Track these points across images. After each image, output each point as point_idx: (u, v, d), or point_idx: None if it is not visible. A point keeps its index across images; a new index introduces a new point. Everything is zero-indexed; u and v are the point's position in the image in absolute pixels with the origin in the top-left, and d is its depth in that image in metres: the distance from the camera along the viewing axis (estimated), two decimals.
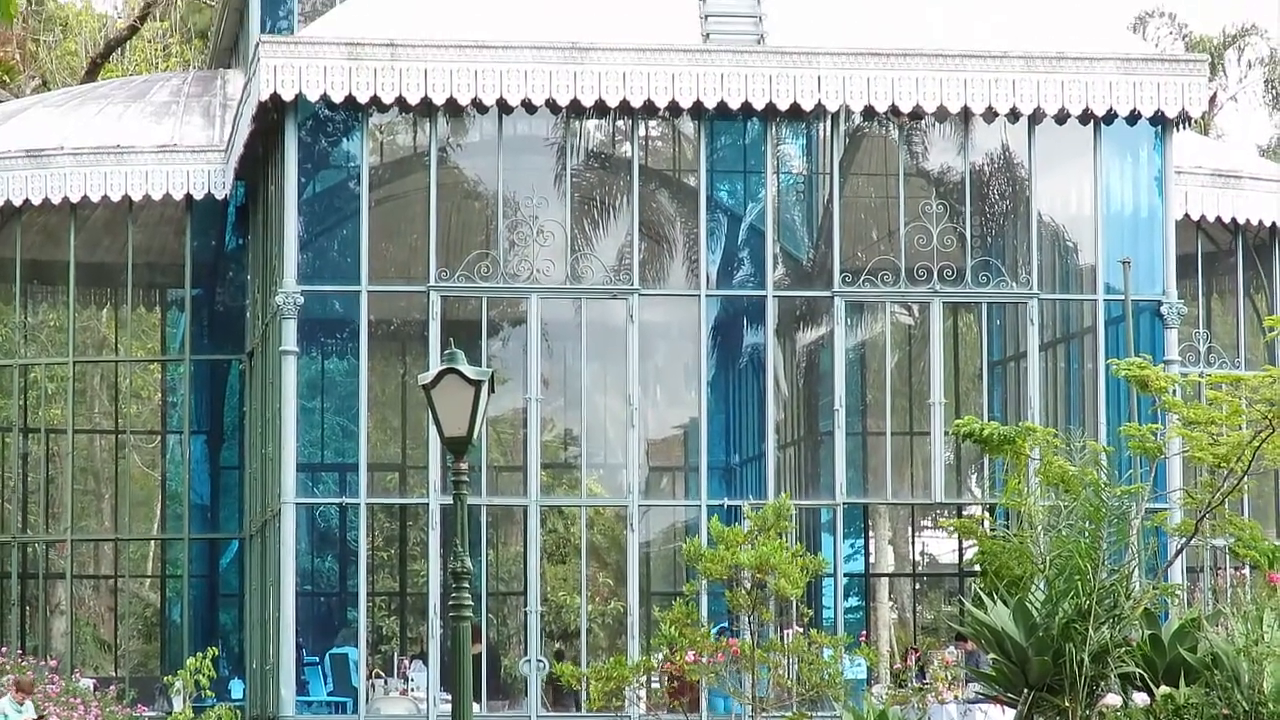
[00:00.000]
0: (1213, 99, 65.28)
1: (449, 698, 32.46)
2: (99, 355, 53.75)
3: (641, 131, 43.12)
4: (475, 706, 27.46)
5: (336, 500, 43.10)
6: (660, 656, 38.02)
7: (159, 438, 54.10)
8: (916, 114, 41.72)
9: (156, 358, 53.54)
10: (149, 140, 47.77)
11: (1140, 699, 29.69)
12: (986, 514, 37.80)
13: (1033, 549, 31.08)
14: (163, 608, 51.82)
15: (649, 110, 41.87)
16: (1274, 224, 48.78)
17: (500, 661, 43.14)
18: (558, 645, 42.24)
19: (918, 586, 44.77)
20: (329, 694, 41.81)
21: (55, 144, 47.75)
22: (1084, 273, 42.58)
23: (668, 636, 37.73)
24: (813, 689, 34.95)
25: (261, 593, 43.51)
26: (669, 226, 44.04)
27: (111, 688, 46.53)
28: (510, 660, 43.56)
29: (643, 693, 39.14)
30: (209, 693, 42.39)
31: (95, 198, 46.81)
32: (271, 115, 41.03)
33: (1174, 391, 35.59)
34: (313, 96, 40.51)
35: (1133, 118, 41.68)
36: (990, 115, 41.63)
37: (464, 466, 27.03)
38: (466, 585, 26.99)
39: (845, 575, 43.05)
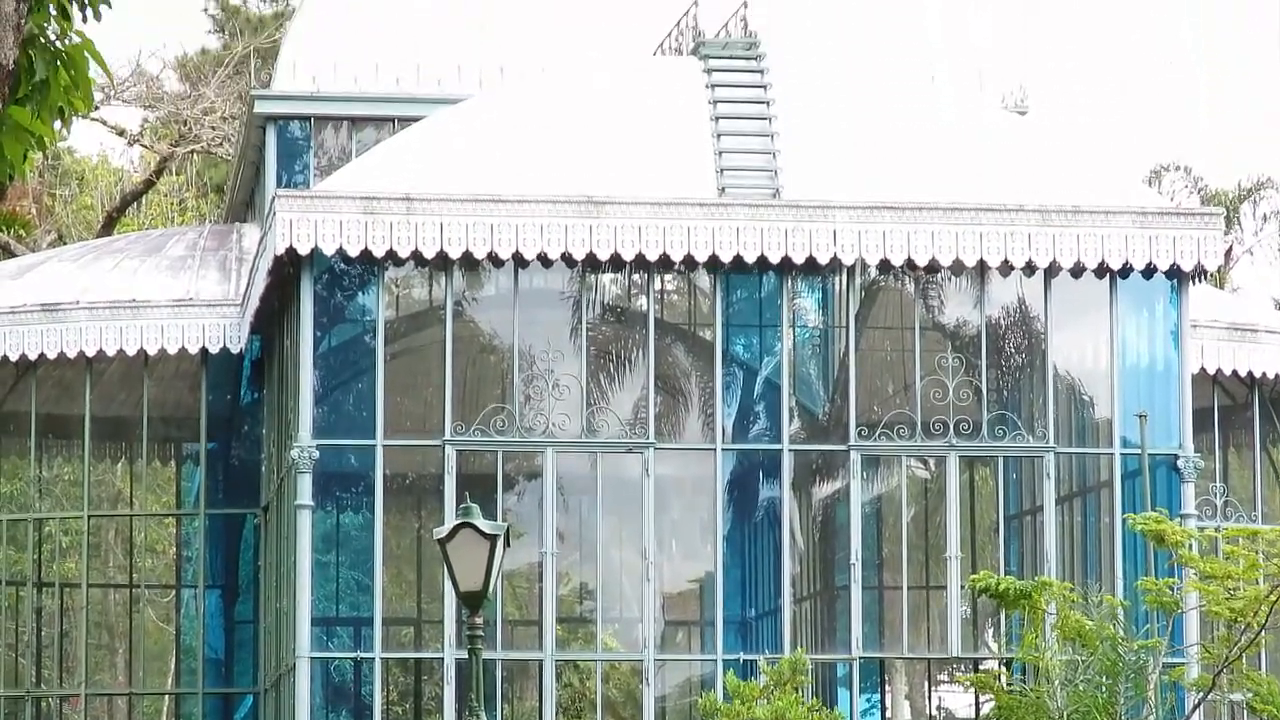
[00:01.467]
0: (1228, 252, 65.39)
1: None
2: (114, 509, 53.82)
3: (657, 285, 43.14)
4: None
5: (351, 655, 42.93)
6: None
7: (174, 592, 54.08)
8: (932, 267, 41.73)
9: (171, 512, 53.60)
10: (165, 295, 47.89)
11: None
12: (1003, 669, 37.59)
13: (1050, 704, 31.08)
14: None
15: (665, 264, 41.89)
16: None
17: None
18: None
19: None
20: None
21: (71, 298, 47.84)
22: (1100, 426, 42.52)
23: None
24: None
25: None
26: (684, 380, 44.04)
27: None
28: None
29: None
30: None
31: (111, 352, 46.87)
32: (287, 269, 41.07)
33: (1190, 546, 35.59)
34: (329, 250, 40.54)
35: (1149, 271, 41.69)
36: (1006, 269, 41.61)
37: (479, 621, 26.98)
38: None
39: None
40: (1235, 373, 47.78)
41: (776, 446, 43.00)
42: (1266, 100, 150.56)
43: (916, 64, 49.46)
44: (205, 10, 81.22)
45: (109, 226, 67.39)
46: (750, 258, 41.27)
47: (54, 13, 11.08)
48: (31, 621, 51.69)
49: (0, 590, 51.05)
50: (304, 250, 40.47)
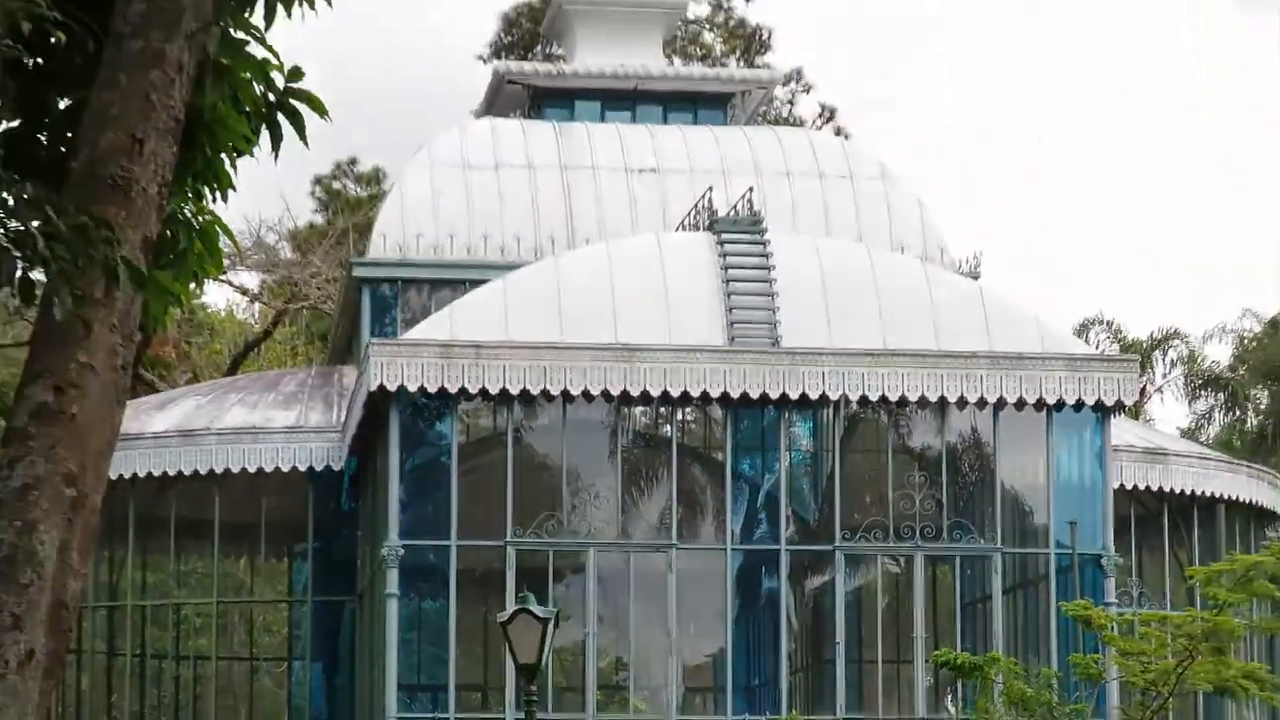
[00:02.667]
0: (1143, 391, 65.37)
1: None
2: (238, 596, 53.80)
3: (679, 416, 43.36)
4: None
5: (430, 715, 42.85)
6: None
7: (286, 664, 53.97)
8: (902, 403, 41.90)
9: (284, 599, 53.55)
10: (279, 423, 48.11)
11: None
12: None
13: None
14: None
15: (685, 399, 42.09)
16: (1193, 492, 48.86)
17: None
18: None
19: None
20: None
21: (203, 426, 48.07)
22: (1039, 531, 42.63)
23: None
24: None
25: None
26: (701, 493, 44.14)
27: None
28: None
29: None
30: None
31: (236, 470, 47.00)
32: (378, 403, 41.27)
33: (1112, 628, 35.67)
34: (412, 388, 40.76)
35: (1078, 406, 41.84)
36: (962, 404, 41.79)
37: (533, 688, 27.17)
38: None
39: None
40: (1149, 488, 47.81)
41: (775, 547, 43.11)
42: (1181, 260, 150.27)
43: (889, 236, 49.66)
44: (312, 194, 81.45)
45: (234, 368, 67.60)
46: (754, 395, 41.46)
47: (190, 195, 11.31)
48: (170, 689, 51.72)
49: (145, 662, 51.24)
50: (392, 388, 40.72)
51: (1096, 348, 61.78)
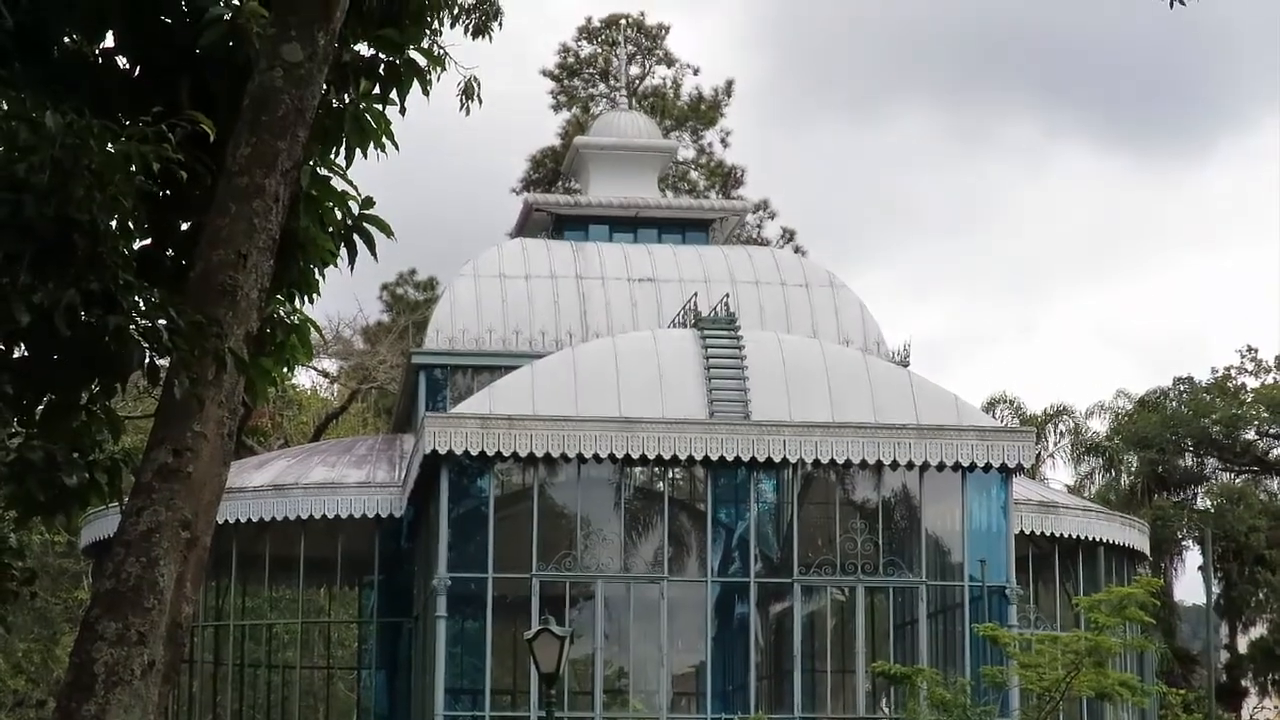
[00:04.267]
0: (1038, 456, 65.27)
1: None
2: (318, 618, 53.59)
3: (669, 475, 43.24)
4: None
5: (470, 713, 42.66)
6: None
7: (356, 672, 53.78)
8: (847, 465, 41.83)
9: (355, 620, 53.41)
10: (352, 479, 48.03)
11: None
12: None
13: None
14: None
15: (674, 462, 42.00)
16: (1078, 537, 48.81)
17: None
18: None
19: None
20: None
21: (292, 481, 48.00)
22: (956, 567, 42.47)
23: None
24: None
25: None
26: (687, 536, 44.03)
27: None
28: None
29: None
30: None
31: (317, 516, 46.95)
32: (431, 464, 41.21)
33: (1015, 645, 35.58)
34: (458, 452, 40.71)
35: (986, 468, 41.77)
36: (894, 466, 41.69)
37: (553, 692, 27.06)
38: None
39: None
40: (1043, 534, 47.75)
41: (746, 579, 42.99)
42: (1069, 348, 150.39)
43: (836, 331, 49.70)
44: (380, 297, 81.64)
45: (317, 435, 67.56)
46: (730, 458, 41.38)
47: (285, 298, 11.32)
48: (264, 692, 51.55)
49: (244, 671, 51.07)
50: (443, 451, 40.65)
51: (1001, 421, 61.74)
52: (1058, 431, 79.62)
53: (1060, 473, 78.56)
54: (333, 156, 11.37)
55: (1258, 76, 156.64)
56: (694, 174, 77.74)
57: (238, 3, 10.69)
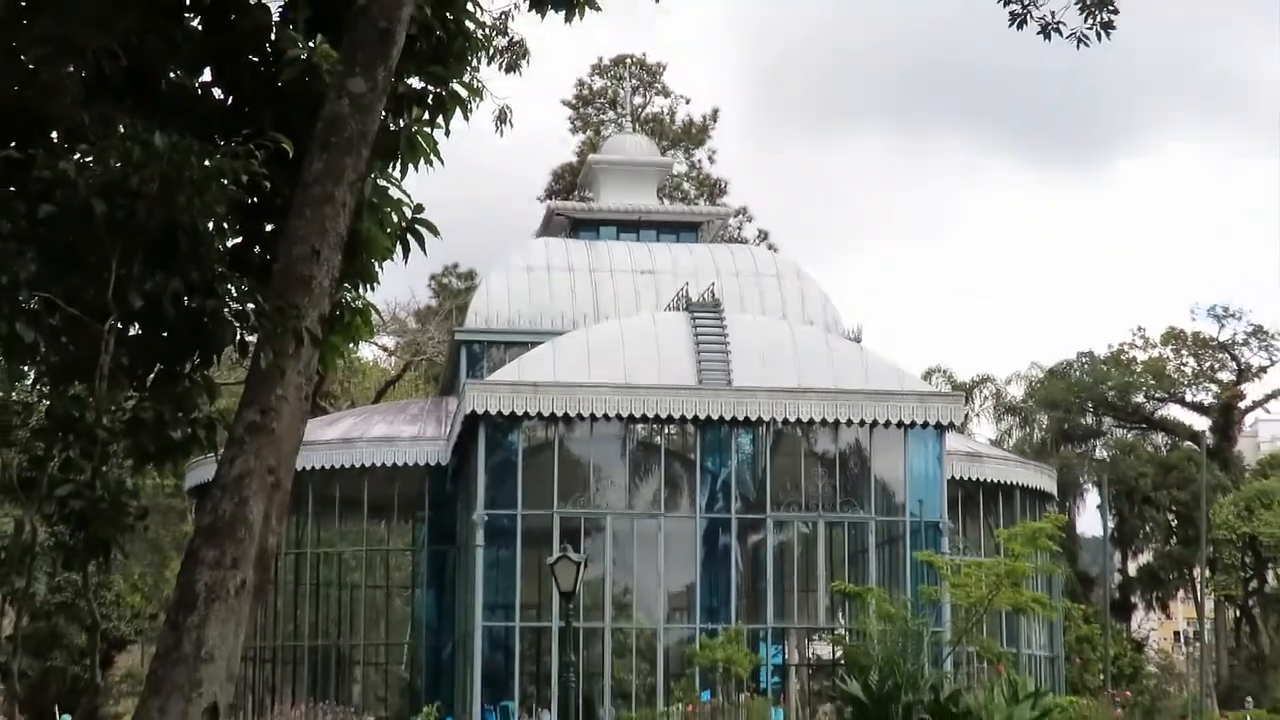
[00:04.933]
0: (966, 416, 65.31)
1: None
2: (379, 546, 53.67)
3: (665, 431, 43.28)
4: None
5: (503, 623, 42.80)
6: (675, 709, 37.75)
7: (410, 590, 53.91)
8: (810, 423, 41.95)
9: (409, 548, 53.50)
10: (407, 434, 48.16)
11: None
12: (847, 633, 37.47)
13: (872, 651, 31.01)
14: (411, 679, 51.55)
15: (669, 420, 42.08)
16: (998, 481, 48.88)
17: (591, 711, 42.68)
18: (619, 701, 41.73)
19: (810, 672, 44.28)
20: None
21: (357, 435, 48.11)
22: (899, 506, 42.57)
23: (679, 698, 37.49)
24: None
25: (463, 672, 43.29)
26: (680, 480, 44.08)
27: None
28: (594, 710, 43.02)
29: None
30: None
31: (378, 464, 47.08)
32: (471, 422, 41.29)
33: (947, 569, 35.66)
34: (493, 412, 40.81)
35: (924, 425, 41.86)
36: (849, 424, 41.77)
37: (571, 606, 27.08)
38: (570, 668, 26.90)
39: (772, 664, 42.80)
40: (970, 479, 47.84)
41: (727, 516, 43.23)
42: (992, 326, 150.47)
43: (802, 314, 49.70)
44: (429, 285, 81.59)
45: (377, 398, 67.66)
46: (715, 417, 41.52)
47: (351, 287, 11.33)
48: (335, 607, 51.66)
49: (319, 589, 51.16)
50: (480, 412, 40.76)
51: (937, 387, 61.74)
52: (982, 395, 79.79)
53: (984, 429, 78.63)
54: (390, 170, 11.38)
55: (1151, 104, 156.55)
56: (686, 185, 77.68)
57: (312, 45, 10.73)
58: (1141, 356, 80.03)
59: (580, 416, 41.22)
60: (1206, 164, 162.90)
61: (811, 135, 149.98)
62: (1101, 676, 52.72)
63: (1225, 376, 78.95)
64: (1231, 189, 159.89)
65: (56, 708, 48.55)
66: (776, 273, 52.71)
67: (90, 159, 9.38)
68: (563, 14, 12.56)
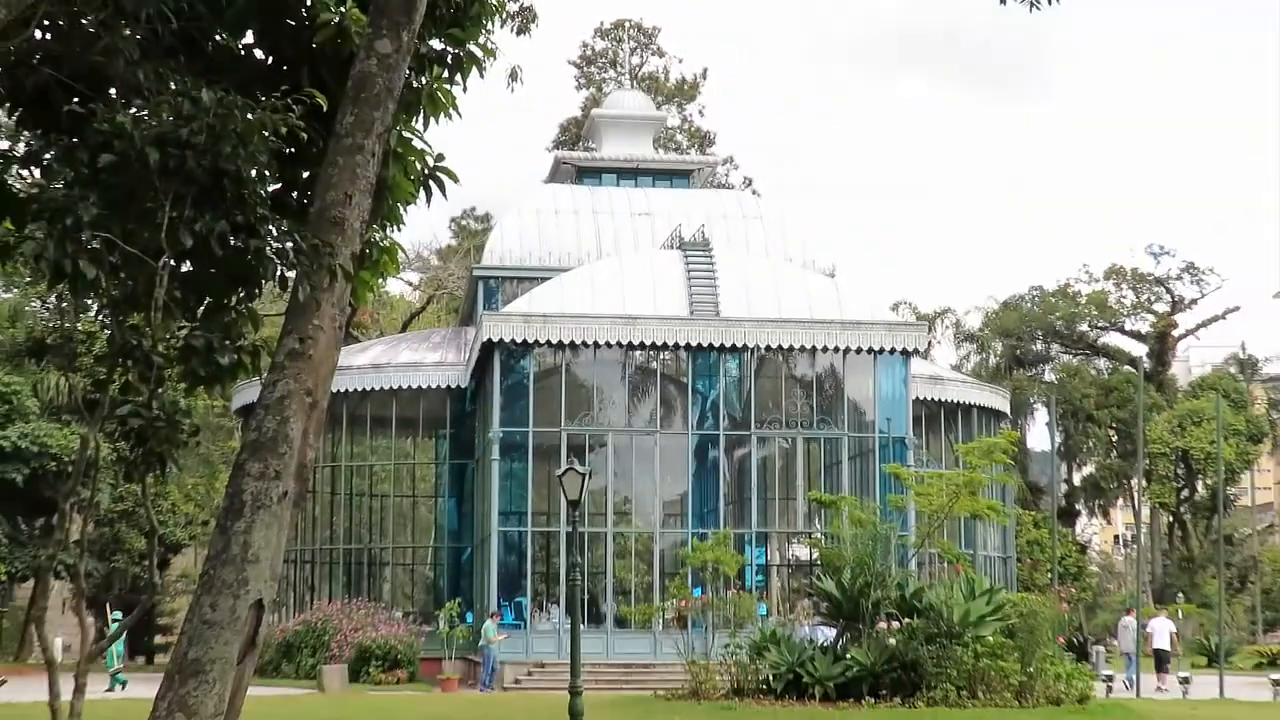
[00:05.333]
0: (929, 343, 65.31)
1: (569, 623, 32.28)
2: (406, 460, 53.87)
3: (661, 357, 43.29)
4: (581, 627, 27.30)
5: (516, 529, 42.98)
6: (669, 604, 37.95)
7: (434, 499, 54.08)
8: (790, 349, 41.89)
9: (432, 461, 53.59)
10: (430, 360, 48.11)
11: (895, 625, 29.67)
12: (823, 536, 37.64)
13: (845, 553, 31.11)
14: (435, 578, 51.75)
15: (664, 347, 42.08)
16: (958, 401, 48.95)
17: (595, 606, 42.95)
18: (620, 597, 41.95)
19: (790, 571, 44.54)
20: (512, 621, 41.62)
21: (386, 361, 48.08)
22: (869, 424, 42.58)
23: (673, 594, 37.68)
24: (741, 619, 34.86)
25: (481, 572, 43.48)
26: (673, 401, 44.18)
27: (409, 616, 46.58)
28: (598, 605, 43.31)
29: (660, 621, 39.08)
30: (457, 619, 42.32)
31: (404, 387, 47.11)
32: (488, 349, 41.27)
33: (911, 480, 35.72)
34: (507, 340, 40.75)
35: (891, 351, 41.85)
36: (824, 350, 41.76)
37: (576, 513, 27.10)
38: (576, 568, 27.00)
39: (756, 565, 43.01)
40: (932, 399, 47.94)
41: (716, 432, 43.19)
42: (953, 261, 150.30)
43: (783, 252, 49.60)
44: (449, 226, 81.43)
45: (404, 328, 67.61)
46: (705, 344, 41.45)
47: (379, 227, 11.31)
48: (367, 513, 51.86)
49: (351, 498, 51.28)
50: (496, 340, 40.73)
51: (903, 317, 61.73)
52: (944, 325, 79.86)
53: (945, 354, 78.74)
54: (413, 123, 11.35)
55: (1074, 55, 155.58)
56: (679, 136, 77.39)
57: (343, 10, 10.70)
58: (1086, 290, 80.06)
59: (584, 344, 41.19)
60: (1143, 119, 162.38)
61: (790, 91, 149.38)
62: (1049, 575, 53.01)
63: (1161, 308, 79.04)
64: (1167, 141, 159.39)
65: (108, 606, 48.82)
66: (760, 215, 52.60)
67: (145, 113, 9.36)
68: None
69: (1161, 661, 42.18)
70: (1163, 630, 43.03)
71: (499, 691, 37.59)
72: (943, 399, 48.48)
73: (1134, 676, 39.93)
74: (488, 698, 35.83)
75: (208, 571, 9.46)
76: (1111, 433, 77.69)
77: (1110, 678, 38.70)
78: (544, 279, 45.21)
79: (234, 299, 10.04)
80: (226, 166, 9.19)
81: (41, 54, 10.09)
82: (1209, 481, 73.57)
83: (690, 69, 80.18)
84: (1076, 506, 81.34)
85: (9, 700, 29.30)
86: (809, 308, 42.30)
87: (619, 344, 41.18)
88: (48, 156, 9.76)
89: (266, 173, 9.83)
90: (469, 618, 43.46)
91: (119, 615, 45.28)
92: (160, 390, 9.40)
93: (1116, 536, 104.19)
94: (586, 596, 39.14)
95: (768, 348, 41.86)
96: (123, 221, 9.22)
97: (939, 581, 34.43)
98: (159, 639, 66.26)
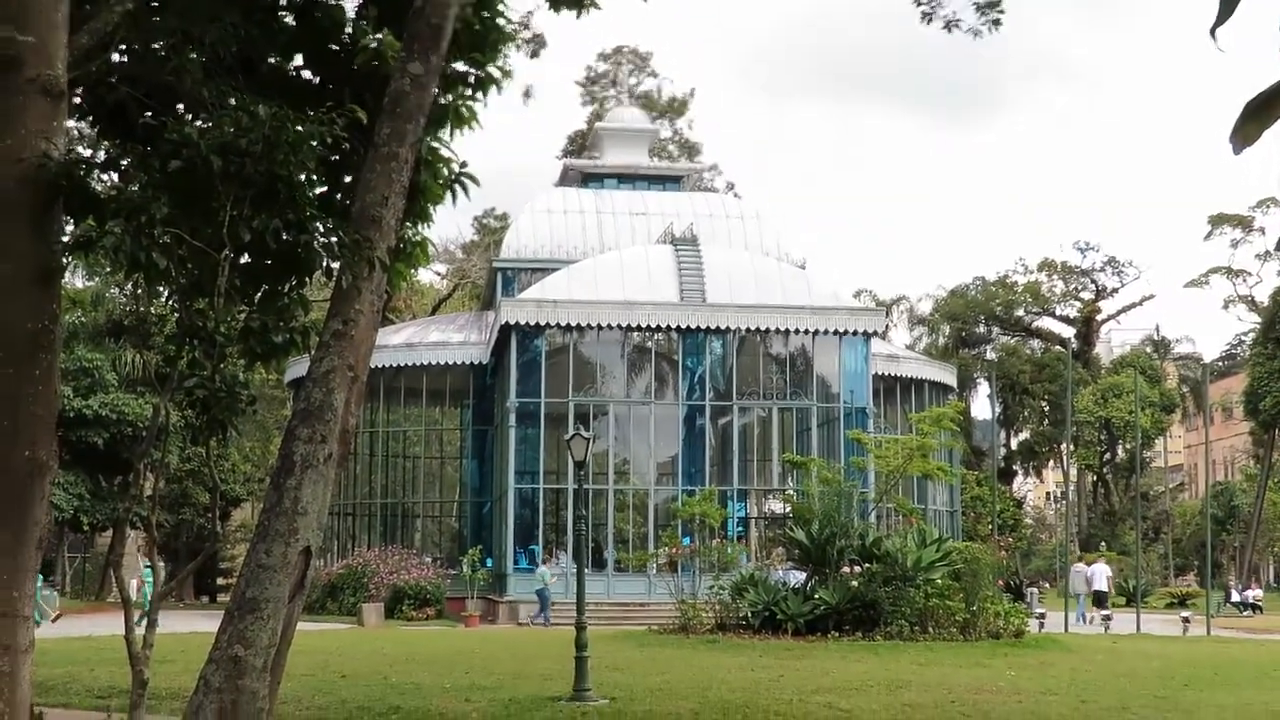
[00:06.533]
0: (886, 326, 65.24)
1: (575, 567, 32.34)
2: (435, 427, 53.84)
3: (655, 338, 43.24)
4: (586, 570, 27.31)
5: (530, 486, 43.01)
6: (662, 551, 38.01)
7: (459, 460, 54.10)
8: (767, 331, 41.87)
9: (457, 428, 53.55)
10: (456, 340, 48.07)
11: (857, 569, 29.72)
12: (795, 493, 37.68)
13: (814, 507, 31.17)
14: (460, 529, 51.80)
15: (657, 329, 42.05)
16: (912, 377, 48.96)
17: (598, 553, 42.99)
18: (619, 545, 41.97)
19: (766, 523, 44.59)
20: (526, 565, 41.64)
21: (417, 341, 48.03)
22: (835, 395, 42.60)
23: (665, 543, 37.74)
24: (724, 564, 34.92)
25: (499, 523, 43.51)
26: (666, 376, 44.16)
27: (437, 561, 46.63)
28: (601, 552, 43.38)
29: (654, 566, 39.13)
30: (478, 564, 42.37)
31: (433, 363, 47.07)
32: (506, 330, 41.24)
33: (872, 444, 35.76)
34: (522, 322, 40.74)
35: (854, 333, 41.84)
36: (797, 332, 41.77)
37: (582, 473, 27.03)
38: (582, 520, 26.99)
39: (737, 518, 43.04)
40: (890, 375, 47.94)
41: (703, 402, 43.22)
42: (909, 255, 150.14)
43: (760, 247, 49.47)
44: (472, 224, 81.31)
45: (434, 312, 67.45)
46: (694, 327, 41.47)
47: (411, 224, 11.29)
48: (401, 472, 51.88)
49: (388, 460, 51.21)
50: (513, 323, 40.71)
51: (864, 303, 61.69)
52: (899, 310, 79.86)
53: (900, 336, 78.69)
54: (441, 134, 11.33)
55: (1015, 73, 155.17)
56: (671, 146, 77.22)
57: (380, 37, 10.70)
58: (1022, 280, 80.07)
59: (589, 326, 41.16)
60: (1072, 124, 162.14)
61: (768, 107, 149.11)
62: (990, 526, 53.10)
63: (1087, 296, 79.07)
64: (1090, 145, 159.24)
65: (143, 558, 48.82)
66: (740, 215, 52.44)
67: (209, 125, 9.35)
68: (574, 11, 12.49)
69: (1101, 600, 42.55)
70: (1101, 574, 43.43)
71: (550, 626, 37.22)
72: (898, 374, 48.47)
73: (1085, 614, 40.50)
74: (523, 632, 35.72)
75: (263, 522, 9.48)
76: (1044, 404, 77.79)
77: (1043, 615, 38.82)
78: (554, 270, 45.14)
79: (286, 286, 10.03)
80: (280, 172, 9.18)
81: (119, 74, 10.09)
82: (1128, 446, 73.71)
83: (680, 88, 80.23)
84: (1014, 467, 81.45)
85: (90, 633, 29.34)
86: (783, 295, 42.25)
87: (619, 326, 41.14)
88: (125, 163, 9.77)
89: (314, 177, 9.83)
90: (489, 562, 43.52)
91: (147, 567, 45.02)
92: (222, 365, 9.40)
93: (1048, 494, 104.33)
94: (591, 545, 39.18)
95: (748, 330, 41.81)
96: (190, 219, 9.21)
97: (895, 532, 34.49)
98: (220, 581, 66.37)
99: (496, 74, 11.47)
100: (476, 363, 46.99)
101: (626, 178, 54.22)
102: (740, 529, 43.17)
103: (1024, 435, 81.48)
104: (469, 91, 11.43)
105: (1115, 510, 76.28)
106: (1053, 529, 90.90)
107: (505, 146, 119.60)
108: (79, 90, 10.06)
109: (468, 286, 73.11)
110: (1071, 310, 79.23)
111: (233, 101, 9.69)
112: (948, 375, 51.48)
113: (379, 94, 10.35)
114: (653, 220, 50.23)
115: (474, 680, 20.45)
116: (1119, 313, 79.26)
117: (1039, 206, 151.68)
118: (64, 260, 9.15)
